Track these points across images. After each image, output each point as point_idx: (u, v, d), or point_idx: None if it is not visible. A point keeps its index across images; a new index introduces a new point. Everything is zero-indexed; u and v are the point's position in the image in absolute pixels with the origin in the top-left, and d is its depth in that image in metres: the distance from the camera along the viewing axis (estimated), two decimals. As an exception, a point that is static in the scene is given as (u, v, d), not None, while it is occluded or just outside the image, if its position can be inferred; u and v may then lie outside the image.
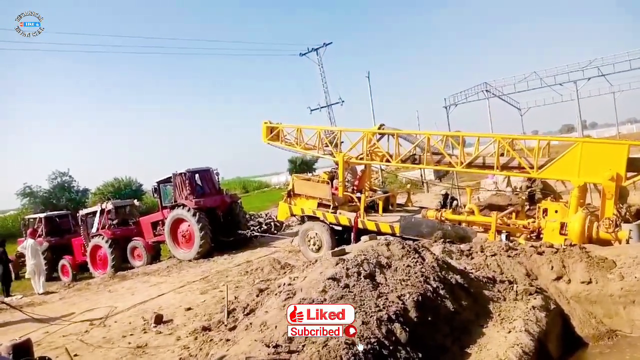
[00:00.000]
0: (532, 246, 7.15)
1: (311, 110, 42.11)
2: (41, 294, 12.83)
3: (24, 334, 7.35)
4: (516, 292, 5.80)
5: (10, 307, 9.78)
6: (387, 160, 10.93)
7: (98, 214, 16.48)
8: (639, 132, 51.80)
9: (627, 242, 7.35)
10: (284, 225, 18.40)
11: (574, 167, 8.17)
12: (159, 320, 7.26)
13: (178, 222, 14.84)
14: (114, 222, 16.41)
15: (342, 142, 11.86)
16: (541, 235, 8.59)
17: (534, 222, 8.93)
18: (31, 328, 8.21)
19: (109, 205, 16.63)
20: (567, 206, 8.44)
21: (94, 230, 16.32)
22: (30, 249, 13.33)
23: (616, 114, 46.68)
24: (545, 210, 8.80)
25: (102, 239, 15.67)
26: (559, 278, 6.25)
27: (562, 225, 8.06)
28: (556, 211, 8.55)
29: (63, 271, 16.88)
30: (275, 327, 4.16)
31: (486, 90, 41.44)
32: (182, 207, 14.54)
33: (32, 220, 18.49)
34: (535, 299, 5.64)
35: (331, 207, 11.12)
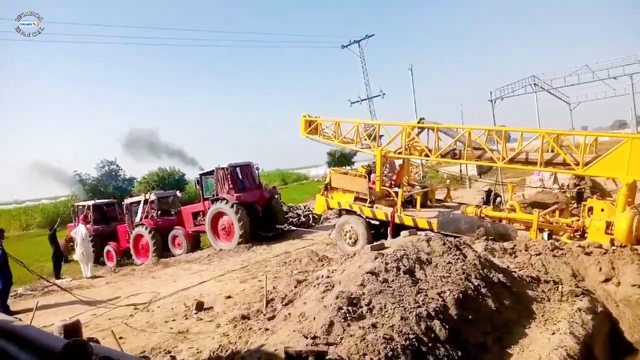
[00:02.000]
0: (579, 246, 6.90)
1: (351, 103, 41.59)
2: (89, 277, 13.44)
3: (73, 315, 7.71)
4: (561, 293, 5.61)
5: (61, 289, 10.32)
6: (426, 155, 10.74)
7: (142, 204, 17.05)
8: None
9: None
10: (322, 217, 18.48)
11: (623, 165, 7.80)
12: (200, 307, 7.47)
13: (219, 215, 15.17)
14: (157, 212, 16.93)
15: (382, 135, 11.75)
16: (585, 235, 8.28)
17: (577, 220, 8.61)
18: (79, 310, 8.63)
19: (152, 196, 17.18)
20: (614, 205, 8.08)
21: (137, 219, 16.91)
22: (80, 235, 13.96)
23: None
24: (590, 209, 8.46)
25: (145, 228, 16.19)
26: (607, 280, 6.01)
27: (608, 225, 7.72)
28: (602, 210, 8.19)
29: (108, 256, 17.56)
30: (314, 318, 4.18)
31: (534, 84, 39.96)
32: (223, 201, 14.85)
33: (81, 207, 19.26)
34: (581, 300, 5.44)
35: (368, 201, 11.08)
